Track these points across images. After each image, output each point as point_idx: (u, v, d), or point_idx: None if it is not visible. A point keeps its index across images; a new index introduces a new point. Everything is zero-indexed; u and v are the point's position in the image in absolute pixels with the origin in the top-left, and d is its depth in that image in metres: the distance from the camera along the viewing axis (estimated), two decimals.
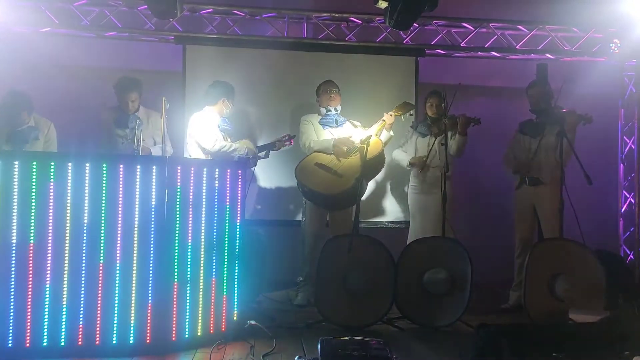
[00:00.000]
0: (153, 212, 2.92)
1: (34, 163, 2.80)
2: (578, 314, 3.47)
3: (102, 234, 2.86)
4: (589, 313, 3.42)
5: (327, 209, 4.29)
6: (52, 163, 2.83)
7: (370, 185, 4.78)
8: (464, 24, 5.16)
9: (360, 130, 4.32)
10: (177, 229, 2.98)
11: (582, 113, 4.07)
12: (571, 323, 3.47)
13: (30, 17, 4.70)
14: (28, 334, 2.78)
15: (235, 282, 3.27)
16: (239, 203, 3.29)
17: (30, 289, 2.78)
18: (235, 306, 3.27)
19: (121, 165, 2.90)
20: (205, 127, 4.05)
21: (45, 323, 2.79)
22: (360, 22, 5.07)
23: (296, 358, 2.73)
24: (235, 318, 3.27)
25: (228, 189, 3.23)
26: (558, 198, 3.82)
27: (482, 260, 4.02)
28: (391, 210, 5.07)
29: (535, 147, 4.15)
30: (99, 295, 2.85)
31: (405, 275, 3.66)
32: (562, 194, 3.80)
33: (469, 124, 4.24)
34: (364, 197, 4.33)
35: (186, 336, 3.01)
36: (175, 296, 2.96)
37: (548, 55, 5.26)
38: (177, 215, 2.98)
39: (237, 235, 3.28)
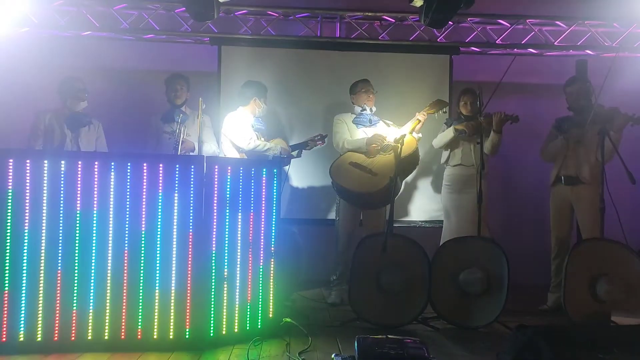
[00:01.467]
0: (191, 211, 2.96)
1: (79, 162, 2.90)
2: (620, 316, 3.38)
3: (143, 232, 2.93)
4: (632, 315, 3.32)
5: (361, 208, 4.29)
6: (96, 163, 2.91)
7: (403, 184, 4.76)
8: (500, 21, 5.10)
9: (393, 128, 4.31)
10: (215, 227, 3.03)
11: (627, 112, 3.96)
12: (613, 325, 3.38)
13: (72, 22, 4.84)
14: (73, 329, 2.87)
15: (271, 280, 3.30)
16: (275, 202, 3.32)
17: (75, 287, 2.88)
18: (271, 304, 3.30)
19: (161, 165, 2.96)
20: (239, 127, 4.11)
21: (90, 319, 2.88)
22: (394, 20, 5.05)
23: (333, 356, 2.74)
24: (271, 315, 3.30)
25: (264, 187, 3.26)
26: (598, 197, 3.73)
27: (517, 260, 3.96)
28: (424, 209, 5.04)
29: (573, 145, 4.06)
30: (140, 291, 2.92)
31: (440, 274, 3.63)
32: (603, 194, 3.71)
33: (505, 121, 4.18)
34: (399, 197, 4.32)
35: (223, 332, 3.06)
36: (212, 293, 3.01)
37: (588, 51, 5.14)
38: (215, 214, 3.03)
39: (273, 234, 3.31)
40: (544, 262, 4.55)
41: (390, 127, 4.35)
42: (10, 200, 2.82)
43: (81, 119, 4.16)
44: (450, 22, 5.00)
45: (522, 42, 5.12)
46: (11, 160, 2.84)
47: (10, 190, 2.82)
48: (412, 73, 5.08)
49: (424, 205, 5.05)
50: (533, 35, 5.08)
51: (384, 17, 5.04)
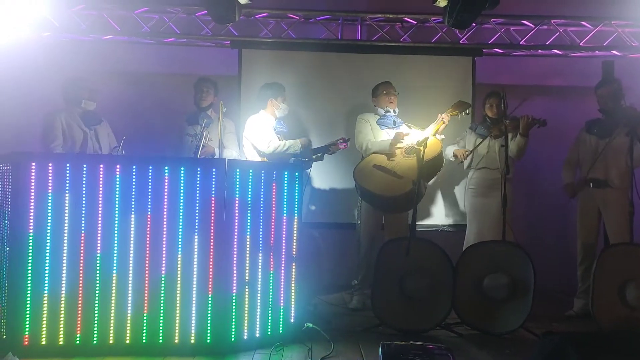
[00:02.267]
0: (213, 214, 2.95)
1: (101, 165, 2.90)
2: None
3: (164, 235, 2.92)
4: None
5: (385, 212, 4.24)
6: (118, 166, 2.92)
7: (427, 187, 4.69)
8: (524, 22, 5.01)
9: (415, 130, 4.25)
10: (236, 231, 3.01)
11: None
12: None
13: (94, 26, 4.88)
14: (95, 333, 2.89)
15: (293, 285, 3.27)
16: (297, 205, 3.29)
17: (97, 292, 2.89)
18: (293, 308, 3.27)
19: (182, 168, 2.95)
20: (259, 129, 4.10)
21: (112, 323, 2.89)
22: (415, 22, 5.00)
23: None
24: (292, 320, 3.27)
25: (285, 191, 3.23)
26: (628, 201, 3.63)
27: (542, 265, 3.88)
28: (447, 213, 4.97)
29: (602, 149, 3.96)
30: (162, 296, 2.91)
31: (464, 279, 3.57)
32: (633, 198, 3.61)
33: (532, 125, 4.10)
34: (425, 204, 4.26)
35: (245, 337, 3.03)
36: (234, 298, 2.99)
37: (614, 52, 5.03)
38: (236, 218, 3.01)
39: (295, 238, 3.28)
40: (570, 266, 4.46)
41: (413, 129, 4.29)
42: (50, 204, 2.83)
43: (94, 116, 4.20)
44: (472, 24, 4.94)
45: (547, 43, 5.02)
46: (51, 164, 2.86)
47: (50, 194, 2.83)
48: (434, 75, 5.02)
49: (447, 208, 4.97)
50: (558, 36, 4.98)
51: (406, 19, 4.98)
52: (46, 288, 2.83)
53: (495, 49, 5.07)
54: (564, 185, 4.22)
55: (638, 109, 3.91)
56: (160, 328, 2.91)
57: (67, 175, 2.86)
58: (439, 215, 4.98)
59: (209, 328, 2.93)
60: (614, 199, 3.95)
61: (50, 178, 2.84)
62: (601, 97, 4.10)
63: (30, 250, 2.82)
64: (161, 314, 2.91)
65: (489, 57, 5.12)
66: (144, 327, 2.90)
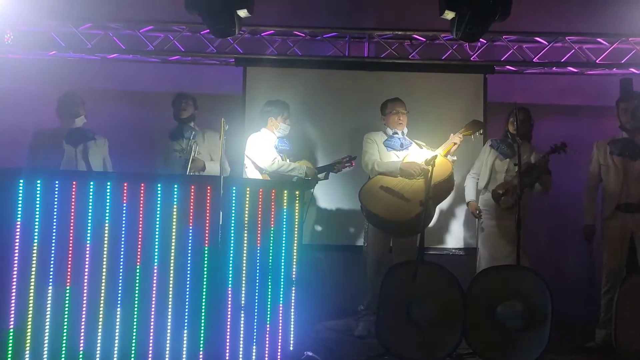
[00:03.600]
0: (207, 234, 2.81)
1: (91, 183, 2.77)
2: None
3: (156, 255, 2.78)
4: None
5: (392, 236, 4.06)
6: (109, 183, 2.79)
7: (437, 210, 4.51)
8: (537, 39, 4.85)
9: (425, 150, 4.08)
10: (232, 252, 2.86)
11: None
12: None
13: (99, 45, 4.84)
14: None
15: (292, 310, 3.09)
16: (297, 226, 3.13)
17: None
18: (292, 335, 3.09)
19: (175, 185, 2.82)
20: (261, 147, 3.99)
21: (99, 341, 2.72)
22: (425, 39, 4.87)
23: None
24: (291, 348, 3.08)
25: (285, 210, 3.08)
26: None
27: (559, 292, 3.65)
28: (457, 236, 4.77)
29: (638, 170, 3.74)
30: (152, 319, 2.76)
31: (475, 307, 3.36)
32: None
33: (548, 160, 3.91)
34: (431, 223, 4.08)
35: None
36: (228, 323, 2.83)
37: (632, 69, 4.84)
38: (232, 238, 2.86)
39: (294, 260, 3.11)
40: (589, 294, 4.22)
41: (423, 148, 4.12)
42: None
43: (83, 133, 4.08)
44: (483, 41, 4.81)
45: (562, 61, 4.85)
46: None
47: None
48: (444, 93, 4.86)
49: (456, 231, 4.77)
50: (573, 53, 4.82)
51: (414, 36, 4.86)
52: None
53: (508, 67, 4.91)
54: (584, 225, 3.97)
55: None
56: (150, 352, 2.75)
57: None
58: (449, 238, 4.79)
59: (201, 355, 2.76)
60: None
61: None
62: (624, 111, 3.89)
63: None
64: (150, 339, 2.75)
65: (501, 75, 4.96)
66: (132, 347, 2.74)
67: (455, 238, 4.78)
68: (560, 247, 5.02)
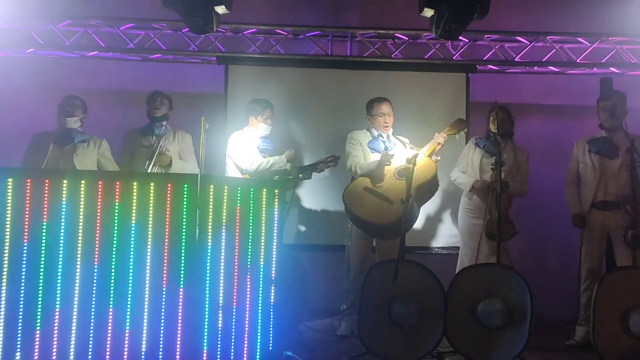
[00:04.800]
0: (184, 234, 2.76)
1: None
2: None
3: (132, 256, 2.73)
4: None
5: (377, 238, 4.03)
6: (83, 181, 2.74)
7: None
8: (518, 38, 4.88)
9: (410, 149, 4.05)
10: (209, 251, 2.82)
11: None
12: None
13: (78, 43, 4.77)
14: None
15: (271, 310, 3.05)
16: (276, 225, 3.10)
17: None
18: (271, 335, 3.05)
19: (152, 184, 2.77)
20: (242, 147, 3.94)
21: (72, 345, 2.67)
22: (407, 38, 4.87)
23: None
24: (270, 348, 3.04)
25: (264, 209, 3.04)
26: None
27: (539, 291, 3.67)
28: (439, 235, 4.77)
29: (615, 169, 3.76)
30: (127, 320, 2.71)
31: (456, 305, 3.36)
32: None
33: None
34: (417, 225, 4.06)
35: None
36: (206, 323, 2.78)
37: (613, 69, 4.87)
38: (209, 238, 2.82)
39: (274, 260, 3.08)
40: (569, 292, 4.24)
41: (407, 147, 4.09)
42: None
43: (73, 135, 3.98)
44: (466, 40, 4.83)
45: (543, 60, 4.87)
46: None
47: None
48: (427, 92, 4.87)
49: (438, 230, 4.77)
50: (554, 53, 4.84)
51: (397, 34, 4.86)
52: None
53: (490, 66, 4.92)
54: (571, 215, 3.98)
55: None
56: (125, 352, 2.70)
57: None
58: (431, 237, 4.79)
59: (177, 355, 2.72)
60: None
61: None
62: (603, 109, 3.91)
63: None
64: (126, 340, 2.70)
65: (483, 75, 4.97)
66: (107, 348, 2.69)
67: (440, 237, 4.79)
68: (542, 246, 5.04)
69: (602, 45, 4.83)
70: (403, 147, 4.09)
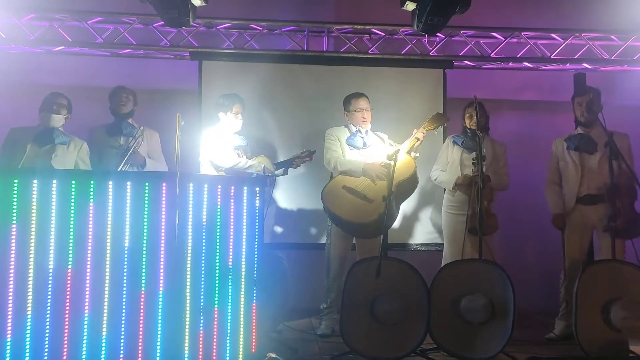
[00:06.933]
0: (163, 234, 2.66)
1: (34, 181, 2.56)
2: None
3: (108, 257, 2.61)
4: None
5: (357, 237, 3.98)
6: (54, 181, 2.60)
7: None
8: (494, 34, 4.91)
9: (389, 145, 4.00)
10: (189, 252, 2.72)
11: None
12: (632, 356, 3.08)
13: (44, 37, 4.59)
14: None
15: (254, 310, 2.98)
16: (257, 223, 3.02)
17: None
18: (254, 336, 2.97)
19: (129, 183, 2.66)
20: (215, 144, 3.82)
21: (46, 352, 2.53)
22: (384, 34, 4.84)
23: None
24: (253, 350, 2.97)
25: (245, 208, 2.96)
26: None
27: (521, 285, 3.67)
28: (422, 232, 4.75)
29: (595, 164, 3.79)
30: (104, 322, 2.59)
31: (439, 302, 3.32)
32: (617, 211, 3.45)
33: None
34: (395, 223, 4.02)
35: None
36: (187, 325, 2.69)
37: (585, 64, 4.95)
38: (189, 238, 2.72)
39: (255, 259, 3.00)
40: (550, 286, 4.27)
41: (386, 143, 4.04)
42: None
43: (54, 135, 3.77)
44: (442, 36, 4.83)
45: (518, 56, 4.91)
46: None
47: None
48: (404, 88, 4.83)
49: (421, 226, 4.76)
50: (528, 49, 4.89)
51: (374, 30, 4.82)
52: None
53: (466, 62, 4.94)
54: (553, 216, 3.97)
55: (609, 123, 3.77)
56: (103, 353, 2.58)
57: None
58: (413, 234, 4.77)
59: (157, 358, 2.62)
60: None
61: None
62: (579, 105, 3.94)
63: None
64: (103, 342, 2.58)
65: (460, 71, 4.99)
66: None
67: (418, 233, 4.77)
68: (522, 242, 5.08)
69: (575, 41, 4.90)
70: (382, 143, 4.04)
